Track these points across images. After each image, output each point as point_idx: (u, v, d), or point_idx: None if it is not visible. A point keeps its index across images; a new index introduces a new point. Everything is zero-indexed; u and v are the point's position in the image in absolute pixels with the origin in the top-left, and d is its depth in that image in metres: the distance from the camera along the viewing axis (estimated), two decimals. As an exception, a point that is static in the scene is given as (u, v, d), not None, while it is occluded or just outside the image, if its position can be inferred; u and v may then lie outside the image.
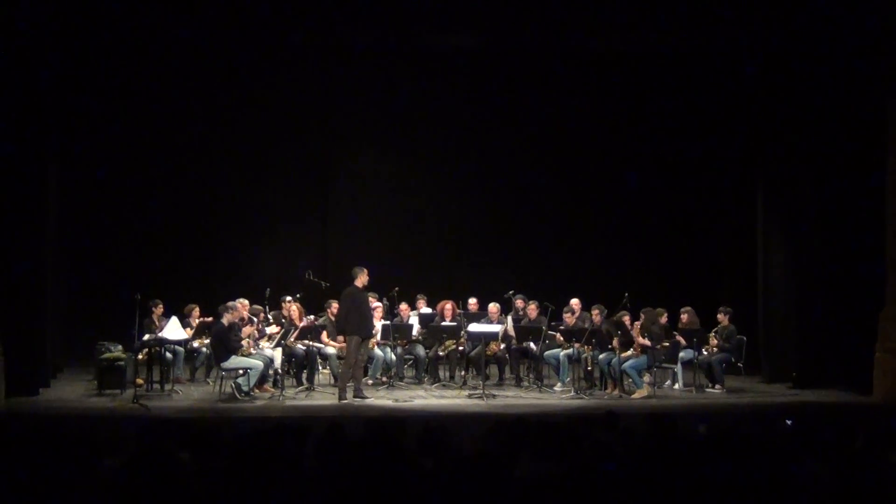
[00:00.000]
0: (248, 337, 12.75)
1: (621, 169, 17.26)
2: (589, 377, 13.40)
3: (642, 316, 13.16)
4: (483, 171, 17.24)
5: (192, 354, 14.08)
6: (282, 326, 13.32)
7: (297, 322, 13.35)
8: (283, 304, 13.90)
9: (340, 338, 12.97)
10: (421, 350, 14.03)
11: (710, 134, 16.47)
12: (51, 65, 13.09)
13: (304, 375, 13.44)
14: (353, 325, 12.48)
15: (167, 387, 13.01)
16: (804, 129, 14.12)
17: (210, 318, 13.49)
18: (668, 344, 13.31)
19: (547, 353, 13.60)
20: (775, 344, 14.61)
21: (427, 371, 14.06)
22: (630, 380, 12.96)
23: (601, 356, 13.19)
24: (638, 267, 16.48)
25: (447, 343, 13.97)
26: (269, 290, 14.00)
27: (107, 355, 12.89)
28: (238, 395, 12.30)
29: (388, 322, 13.80)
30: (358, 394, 12.31)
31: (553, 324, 13.73)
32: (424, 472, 4.69)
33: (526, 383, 13.86)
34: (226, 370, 12.39)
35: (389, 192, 17.30)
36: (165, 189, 16.50)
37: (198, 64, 15.70)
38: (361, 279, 12.58)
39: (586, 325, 13.35)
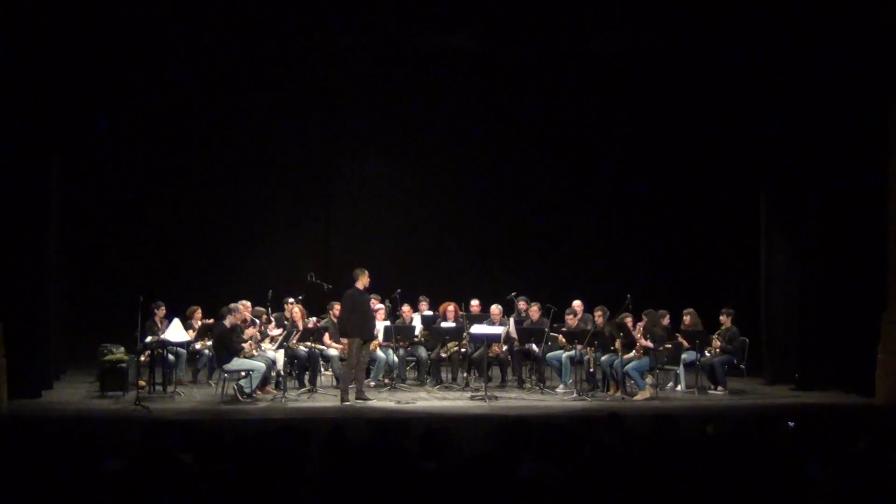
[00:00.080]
0: (251, 339, 12.75)
1: (623, 170, 17.28)
2: (591, 379, 13.40)
3: (644, 318, 13.15)
4: (485, 173, 17.24)
5: (194, 356, 14.09)
6: (284, 328, 13.33)
7: (299, 324, 13.35)
8: (286, 306, 13.91)
9: (343, 340, 12.97)
10: (423, 352, 14.03)
11: (713, 135, 16.48)
12: (54, 68, 13.08)
13: (307, 377, 13.44)
14: (354, 327, 12.48)
15: (169, 389, 13.02)
16: (806, 131, 14.11)
17: (212, 320, 13.50)
18: (670, 346, 13.30)
19: (549, 354, 13.60)
20: (777, 345, 14.60)
21: (429, 373, 14.06)
22: (632, 381, 12.95)
23: (603, 358, 13.19)
24: (640, 268, 16.48)
25: (449, 345, 13.97)
26: (271, 291, 14.01)
27: (109, 357, 12.89)
28: (240, 397, 12.30)
29: (389, 324, 13.80)
30: (360, 396, 12.30)
31: (555, 325, 13.73)
32: (427, 473, 4.69)
33: (528, 385, 13.85)
34: (228, 372, 12.39)
35: (392, 194, 17.31)
36: (168, 191, 16.51)
37: (201, 66, 15.71)
38: (362, 281, 12.57)
39: (589, 327, 13.35)
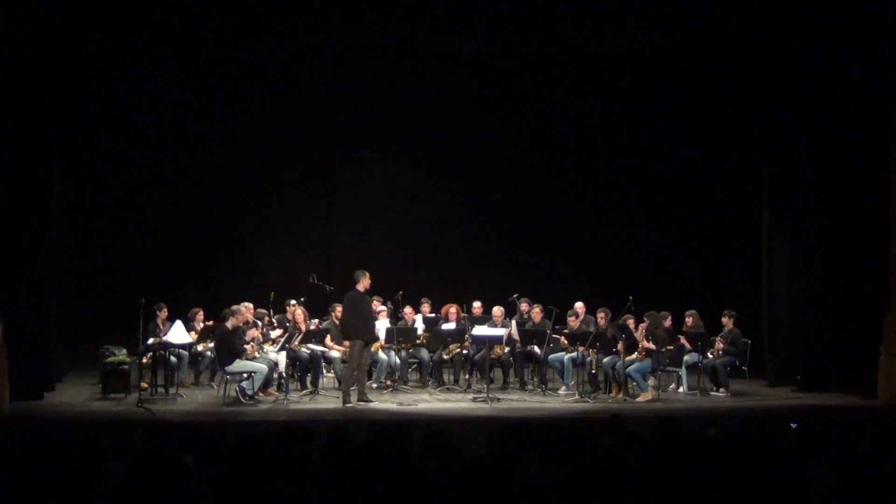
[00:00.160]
0: (253, 340, 12.75)
1: (625, 172, 17.29)
2: (593, 381, 13.40)
3: (646, 319, 13.15)
4: (487, 175, 17.25)
5: (196, 358, 14.10)
6: (286, 330, 13.33)
7: (301, 326, 13.36)
8: (288, 308, 13.93)
9: (345, 342, 12.96)
10: (425, 353, 14.03)
11: (715, 137, 16.49)
12: (55, 69, 13.10)
13: (309, 379, 13.45)
14: (356, 329, 12.48)
15: (171, 390, 13.02)
16: (808, 133, 14.12)
17: (214, 322, 13.51)
18: (672, 347, 13.30)
19: (551, 356, 13.60)
20: (780, 347, 14.60)
21: (431, 374, 14.07)
22: (634, 383, 12.96)
23: (605, 359, 13.19)
24: (642, 270, 16.49)
25: (451, 347, 13.97)
26: (273, 293, 14.03)
27: (111, 359, 12.90)
28: (242, 399, 12.30)
29: (391, 326, 13.79)
30: (362, 397, 12.30)
31: (557, 327, 13.73)
32: (428, 475, 4.69)
33: (530, 387, 13.85)
34: (230, 374, 12.40)
35: (394, 196, 17.31)
36: (170, 193, 16.52)
37: (203, 68, 15.75)
38: (363, 283, 12.57)
39: (591, 329, 13.35)
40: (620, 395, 13.01)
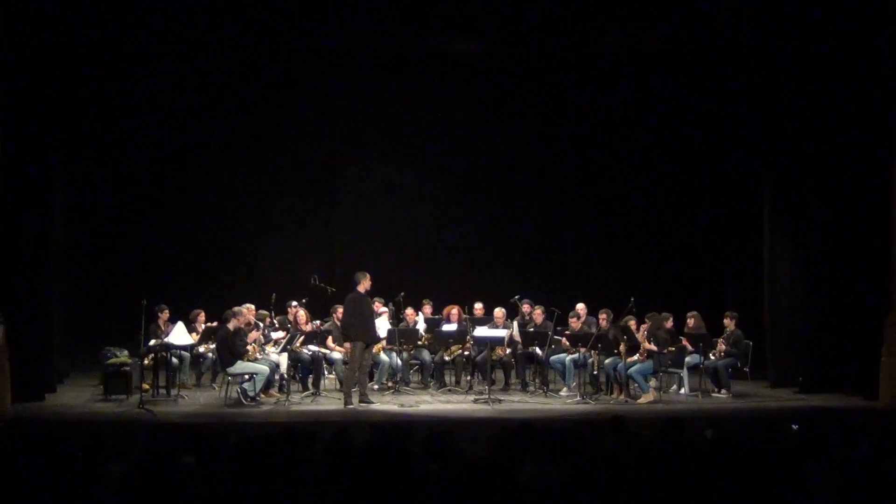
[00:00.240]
0: (254, 342, 12.76)
1: (627, 173, 17.29)
2: (595, 382, 13.39)
3: (648, 321, 13.13)
4: (489, 176, 17.25)
5: (197, 359, 14.10)
6: (287, 331, 13.33)
7: (302, 327, 13.36)
8: (289, 309, 13.94)
9: (347, 343, 12.96)
10: (427, 355, 14.03)
11: (717, 138, 16.47)
12: (57, 71, 13.11)
13: (310, 380, 13.45)
14: (356, 330, 12.47)
15: (173, 392, 13.00)
16: (810, 134, 14.09)
17: (216, 324, 13.51)
18: (673, 349, 13.29)
19: (553, 357, 13.59)
20: (781, 348, 14.58)
21: (433, 376, 14.06)
22: (636, 385, 12.95)
23: (607, 361, 13.18)
24: (644, 271, 16.47)
25: (453, 348, 13.97)
26: (274, 295, 14.02)
27: (113, 360, 12.90)
28: (244, 401, 12.30)
29: (393, 327, 13.79)
30: (363, 399, 12.30)
31: (559, 328, 13.73)
32: (430, 476, 4.70)
33: (532, 388, 13.84)
34: (232, 375, 12.40)
35: (395, 197, 17.30)
36: (171, 194, 16.53)
37: (204, 69, 15.72)
38: (364, 284, 12.56)
39: (592, 330, 13.34)
40: (622, 397, 13.01)
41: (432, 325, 14.19)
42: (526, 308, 14.13)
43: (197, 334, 13.75)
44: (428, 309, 14.57)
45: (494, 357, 13.56)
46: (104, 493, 4.71)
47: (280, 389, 12.95)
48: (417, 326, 14.14)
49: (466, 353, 13.90)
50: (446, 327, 13.98)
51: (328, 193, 17.42)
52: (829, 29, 13.43)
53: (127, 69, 15.26)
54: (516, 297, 14.26)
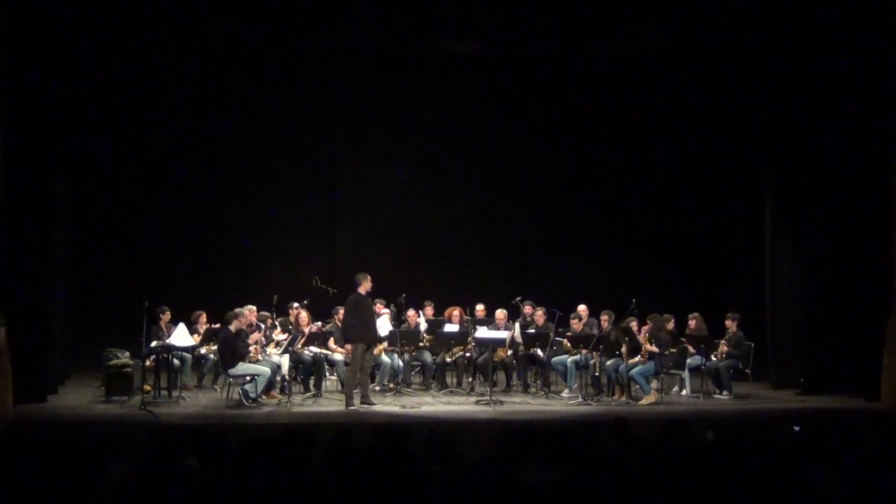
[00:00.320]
0: (256, 343, 12.76)
1: (628, 175, 17.29)
2: (596, 383, 13.39)
3: (650, 322, 13.13)
4: (491, 177, 17.26)
5: (199, 361, 14.10)
6: (289, 333, 13.34)
7: (304, 328, 13.36)
8: (291, 311, 13.93)
9: (348, 345, 12.95)
10: (428, 356, 14.03)
11: (718, 139, 16.48)
12: (58, 72, 13.11)
13: (312, 382, 13.45)
14: (357, 332, 12.47)
15: (175, 393, 13.01)
16: (812, 135, 14.10)
17: (217, 325, 13.51)
18: (675, 350, 13.29)
19: (554, 359, 13.59)
20: (783, 350, 14.58)
21: (434, 377, 14.06)
22: (637, 386, 12.95)
23: (608, 362, 13.18)
24: (646, 273, 16.48)
25: (454, 349, 13.97)
26: (276, 296, 14.02)
27: (114, 362, 12.91)
28: (245, 402, 12.30)
29: (395, 328, 13.79)
30: (365, 400, 12.31)
31: (560, 330, 13.72)
32: (432, 478, 4.69)
33: (533, 389, 13.84)
34: (233, 377, 12.39)
35: (397, 198, 17.32)
36: (172, 195, 16.55)
37: (205, 71, 15.74)
38: (365, 286, 12.56)
39: (594, 331, 13.33)
40: (623, 398, 13.01)
41: (434, 326, 14.18)
42: (527, 309, 14.13)
43: (198, 336, 13.75)
44: (429, 310, 14.56)
45: (496, 358, 13.57)
46: (106, 495, 4.71)
47: (281, 391, 12.95)
48: (419, 328, 14.14)
49: (468, 354, 13.91)
50: (448, 328, 13.97)
51: (329, 195, 17.43)
52: (830, 30, 13.43)
53: (128, 70, 15.27)
54: (518, 298, 14.26)
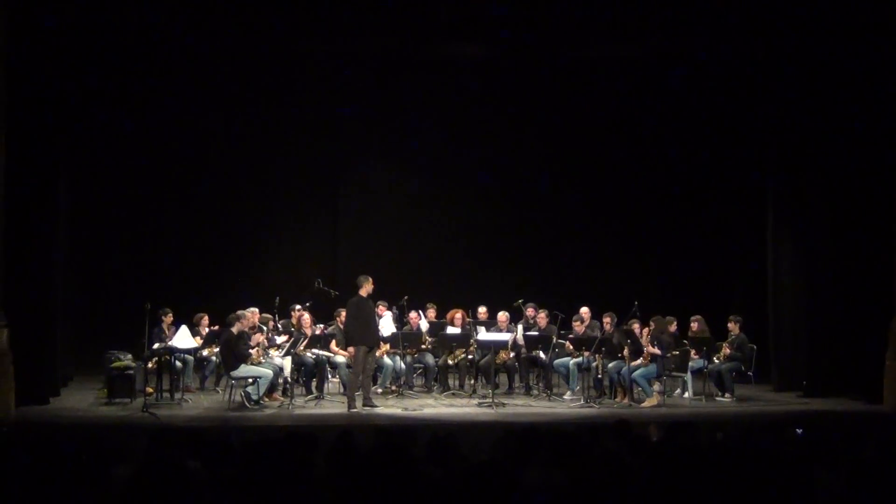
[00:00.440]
0: (258, 345, 12.76)
1: (630, 176, 17.30)
2: (598, 386, 13.38)
3: (652, 324, 13.13)
4: (493, 180, 17.26)
5: (201, 363, 14.10)
6: (291, 335, 13.34)
7: (306, 331, 13.36)
8: (293, 313, 13.94)
9: (350, 347, 12.95)
10: (430, 359, 14.02)
11: (720, 141, 16.47)
12: (59, 73, 13.13)
13: (314, 384, 13.45)
14: (358, 334, 12.47)
15: (177, 395, 13.02)
16: (814, 137, 14.09)
17: (219, 327, 13.51)
18: (677, 352, 13.28)
19: (556, 361, 13.58)
20: (785, 352, 14.57)
21: (436, 380, 14.06)
22: (640, 388, 12.94)
23: (611, 365, 13.17)
24: (648, 275, 16.49)
25: (457, 352, 13.96)
26: (278, 298, 14.03)
27: (116, 364, 12.90)
28: (247, 404, 12.30)
29: (397, 330, 13.79)
30: (367, 402, 12.30)
31: (563, 332, 13.72)
32: (434, 480, 4.69)
33: (535, 392, 13.85)
34: (235, 379, 12.39)
35: (399, 201, 17.33)
36: (175, 198, 16.55)
37: (208, 73, 15.73)
38: (366, 288, 12.56)
39: (596, 334, 13.33)
40: (626, 401, 13.01)
41: (436, 328, 14.18)
42: (530, 312, 14.13)
43: (200, 338, 13.75)
44: (432, 312, 14.56)
45: (498, 361, 13.57)
46: (107, 497, 4.71)
47: (284, 393, 12.96)
48: (421, 330, 14.13)
49: (470, 356, 13.90)
50: (450, 331, 13.97)
51: (332, 197, 17.44)
52: (832, 31, 13.42)
53: (132, 73, 15.27)
54: (520, 300, 14.26)
